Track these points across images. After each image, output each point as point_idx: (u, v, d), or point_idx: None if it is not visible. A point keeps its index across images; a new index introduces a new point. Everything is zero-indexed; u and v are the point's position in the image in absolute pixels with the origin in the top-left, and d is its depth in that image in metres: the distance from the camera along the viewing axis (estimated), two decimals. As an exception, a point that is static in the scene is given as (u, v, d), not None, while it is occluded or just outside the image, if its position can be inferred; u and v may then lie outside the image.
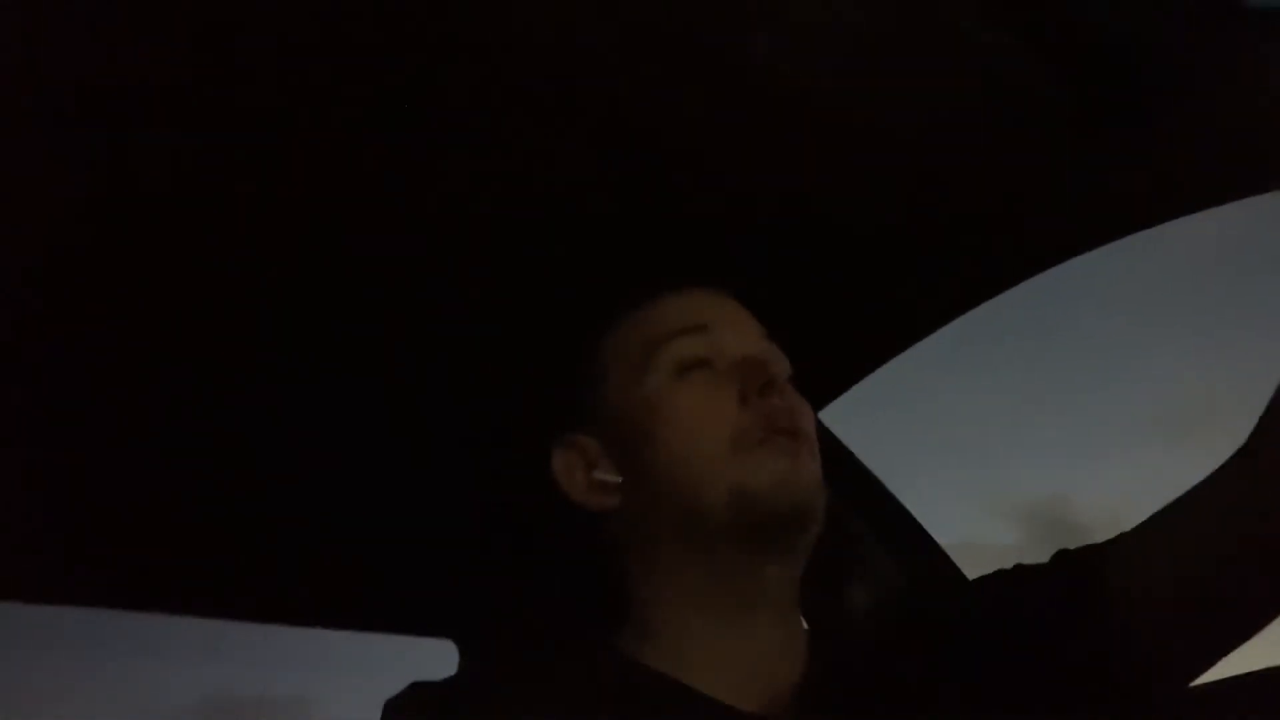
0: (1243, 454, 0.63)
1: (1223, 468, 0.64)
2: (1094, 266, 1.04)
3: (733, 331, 0.78)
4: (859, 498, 1.26)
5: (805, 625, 0.79)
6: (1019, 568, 0.75)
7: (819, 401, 1.28)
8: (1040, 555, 0.75)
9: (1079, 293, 1.07)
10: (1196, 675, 0.70)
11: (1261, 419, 0.61)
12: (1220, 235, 0.98)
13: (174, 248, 0.93)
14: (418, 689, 0.69)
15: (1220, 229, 0.98)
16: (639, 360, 0.76)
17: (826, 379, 1.26)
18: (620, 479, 0.75)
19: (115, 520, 1.25)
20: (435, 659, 1.56)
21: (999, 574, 0.76)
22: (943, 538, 1.21)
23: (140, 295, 0.98)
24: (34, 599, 1.31)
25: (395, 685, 0.70)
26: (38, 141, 0.81)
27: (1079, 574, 0.69)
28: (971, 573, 1.16)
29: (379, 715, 0.69)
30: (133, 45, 0.74)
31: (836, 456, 1.29)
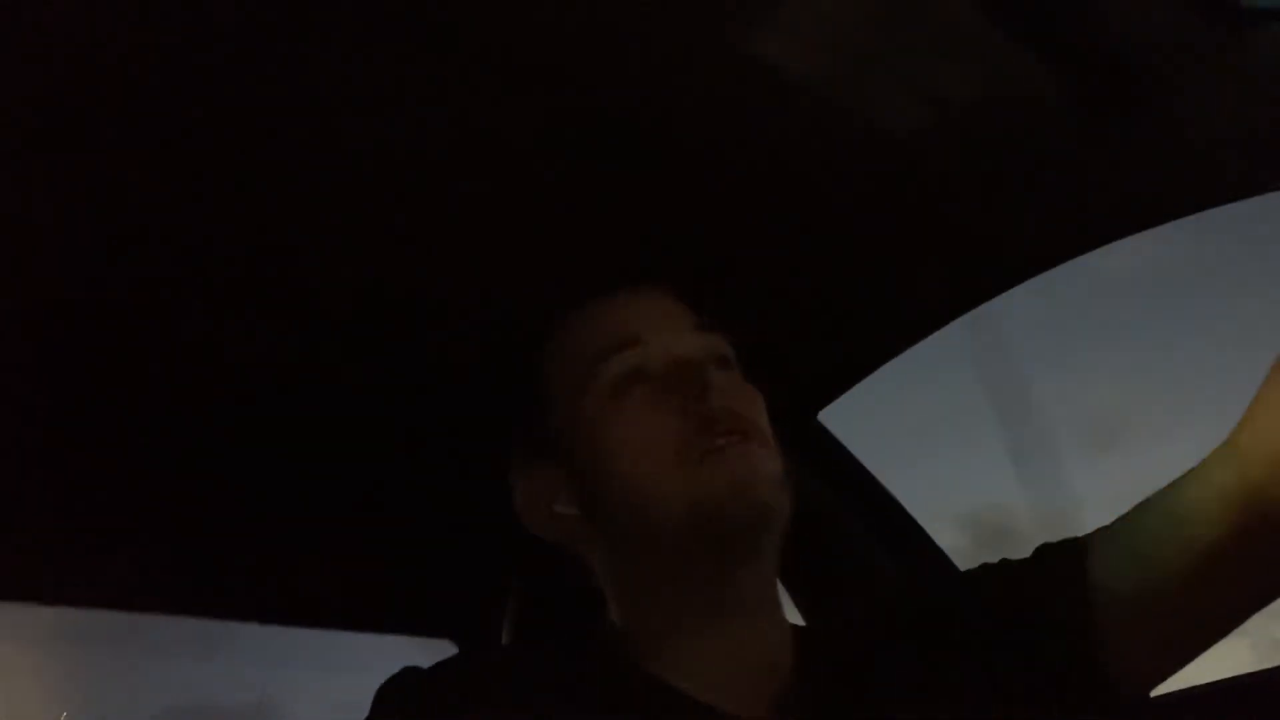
0: (1216, 454, 0.63)
1: (1204, 462, 0.64)
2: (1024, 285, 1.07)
3: (665, 334, 0.75)
4: (858, 498, 1.26)
5: (799, 623, 0.79)
6: (1004, 563, 0.74)
7: (819, 401, 1.28)
8: (984, 559, 0.75)
9: (1008, 310, 1.13)
10: (1173, 670, 0.70)
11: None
12: (1138, 259, 1.02)
13: (172, 247, 0.93)
14: (410, 675, 0.69)
15: (1139, 253, 1.02)
16: (575, 384, 0.74)
17: (827, 379, 1.26)
18: (577, 509, 0.74)
19: (117, 520, 1.25)
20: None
21: (985, 568, 0.75)
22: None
23: (139, 295, 0.98)
24: (28, 598, 1.31)
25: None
26: (41, 141, 0.81)
27: (1058, 567, 0.69)
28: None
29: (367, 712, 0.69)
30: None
31: (836, 456, 1.29)
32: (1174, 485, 0.66)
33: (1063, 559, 0.69)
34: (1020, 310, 1.11)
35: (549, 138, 0.88)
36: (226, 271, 0.97)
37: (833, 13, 0.78)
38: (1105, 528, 0.69)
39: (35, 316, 0.99)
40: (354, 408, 1.17)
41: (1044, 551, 0.72)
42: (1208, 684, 0.90)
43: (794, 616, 0.79)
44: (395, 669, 0.70)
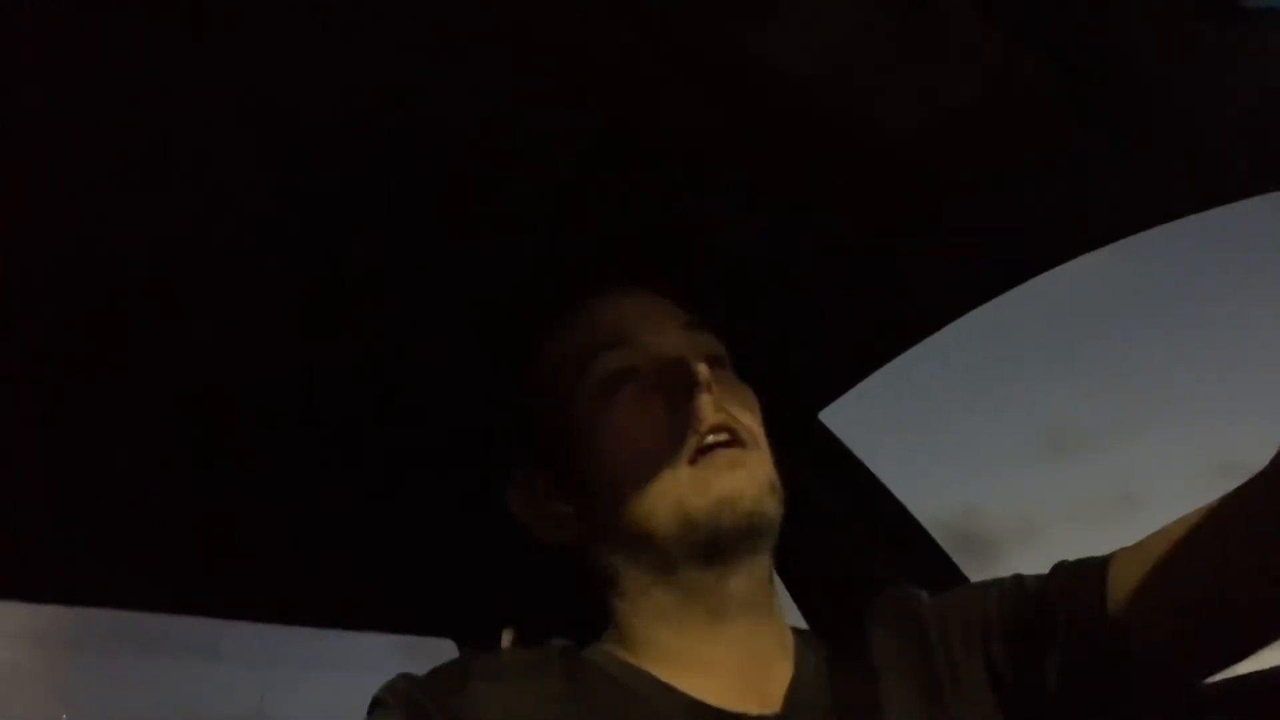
0: (1259, 478, 0.63)
1: (1237, 490, 0.64)
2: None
3: (654, 333, 0.75)
4: (859, 498, 1.26)
5: (801, 624, 0.79)
6: (1017, 577, 0.74)
7: (819, 401, 1.28)
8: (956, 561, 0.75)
9: (964, 326, 1.16)
10: (1193, 687, 0.70)
11: None
12: (1088, 277, 1.05)
13: (174, 246, 0.94)
14: (406, 679, 0.69)
15: (1089, 270, 1.04)
16: (566, 383, 0.75)
17: (827, 379, 1.26)
18: (571, 510, 0.74)
19: (117, 520, 1.25)
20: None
21: (996, 581, 0.75)
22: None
23: (139, 294, 0.98)
24: (29, 599, 1.31)
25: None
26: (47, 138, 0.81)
27: (1080, 585, 0.69)
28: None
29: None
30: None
31: (836, 456, 1.28)
32: (1204, 510, 0.65)
33: (1084, 575, 0.69)
34: (978, 320, 1.14)
35: (548, 137, 0.88)
36: (227, 271, 0.97)
37: (833, 13, 0.78)
38: (1126, 549, 0.69)
39: (36, 315, 0.99)
40: (353, 407, 1.17)
41: (1063, 568, 0.72)
42: (1224, 680, 0.90)
43: (794, 617, 0.79)
44: (394, 668, 0.70)
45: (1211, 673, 0.69)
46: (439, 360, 1.12)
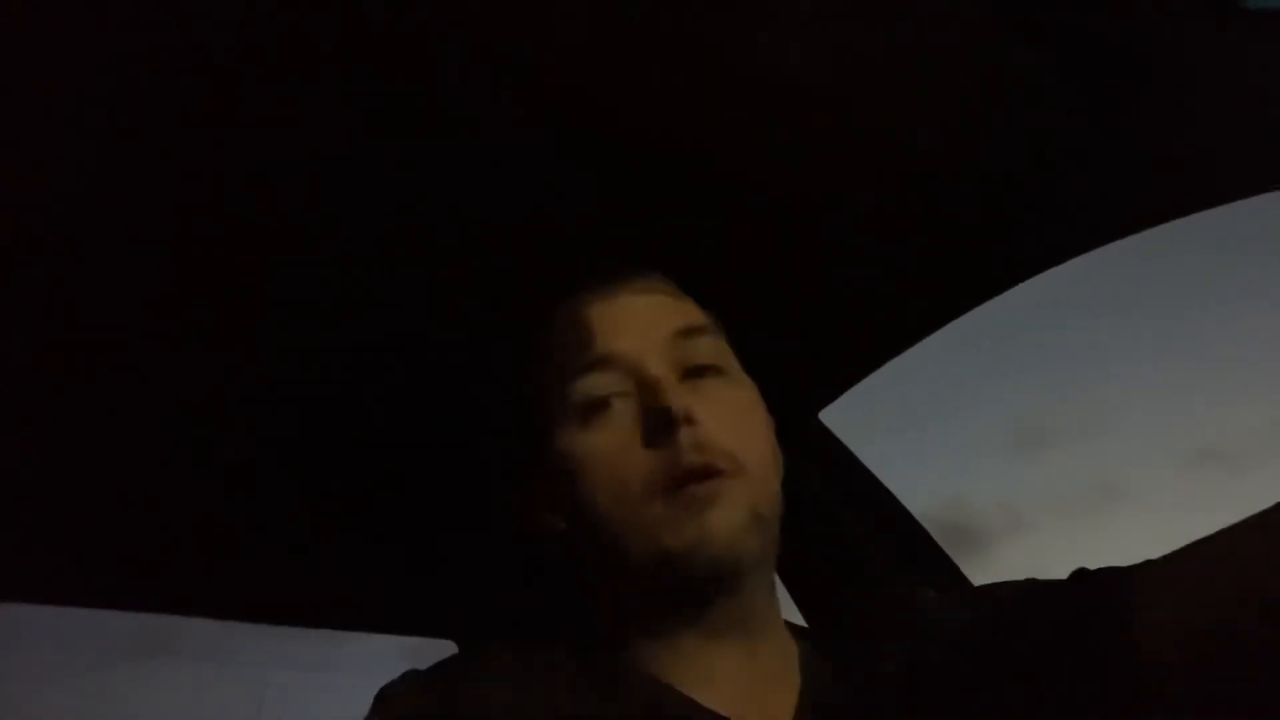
0: None
1: (1269, 510, 0.62)
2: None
3: (637, 344, 0.72)
4: (859, 498, 1.26)
5: (799, 620, 0.78)
6: (1031, 582, 0.73)
7: (819, 401, 1.28)
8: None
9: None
10: (1220, 705, 0.69)
11: None
12: (1066, 270, 1.05)
13: (171, 245, 0.94)
14: (411, 677, 0.68)
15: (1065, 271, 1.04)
16: (549, 404, 0.73)
17: (827, 379, 1.26)
18: (564, 526, 0.73)
19: (118, 521, 1.25)
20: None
21: (1009, 584, 0.74)
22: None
23: (139, 293, 0.98)
24: (31, 600, 1.31)
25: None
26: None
27: (1103, 595, 0.68)
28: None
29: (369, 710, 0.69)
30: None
31: (836, 456, 1.29)
32: (1231, 531, 0.64)
33: (1107, 587, 0.68)
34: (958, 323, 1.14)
35: (554, 139, 0.88)
36: (229, 273, 0.97)
37: (833, 13, 0.78)
38: (1152, 562, 0.67)
39: (37, 315, 0.99)
40: (355, 408, 1.17)
41: (1084, 577, 0.70)
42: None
43: (795, 616, 0.79)
44: (395, 669, 0.70)
45: (1234, 693, 0.68)
46: (442, 363, 1.12)
